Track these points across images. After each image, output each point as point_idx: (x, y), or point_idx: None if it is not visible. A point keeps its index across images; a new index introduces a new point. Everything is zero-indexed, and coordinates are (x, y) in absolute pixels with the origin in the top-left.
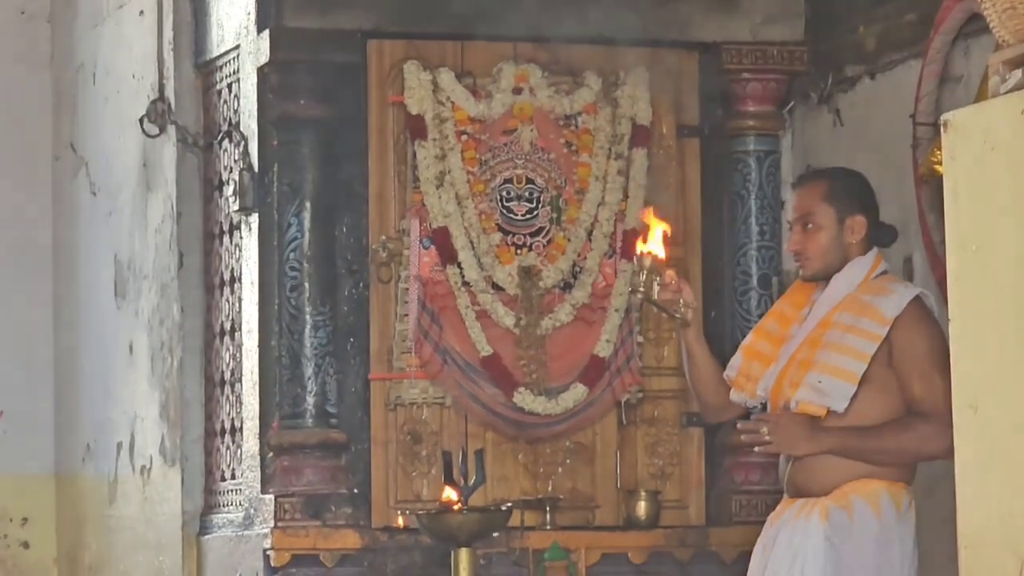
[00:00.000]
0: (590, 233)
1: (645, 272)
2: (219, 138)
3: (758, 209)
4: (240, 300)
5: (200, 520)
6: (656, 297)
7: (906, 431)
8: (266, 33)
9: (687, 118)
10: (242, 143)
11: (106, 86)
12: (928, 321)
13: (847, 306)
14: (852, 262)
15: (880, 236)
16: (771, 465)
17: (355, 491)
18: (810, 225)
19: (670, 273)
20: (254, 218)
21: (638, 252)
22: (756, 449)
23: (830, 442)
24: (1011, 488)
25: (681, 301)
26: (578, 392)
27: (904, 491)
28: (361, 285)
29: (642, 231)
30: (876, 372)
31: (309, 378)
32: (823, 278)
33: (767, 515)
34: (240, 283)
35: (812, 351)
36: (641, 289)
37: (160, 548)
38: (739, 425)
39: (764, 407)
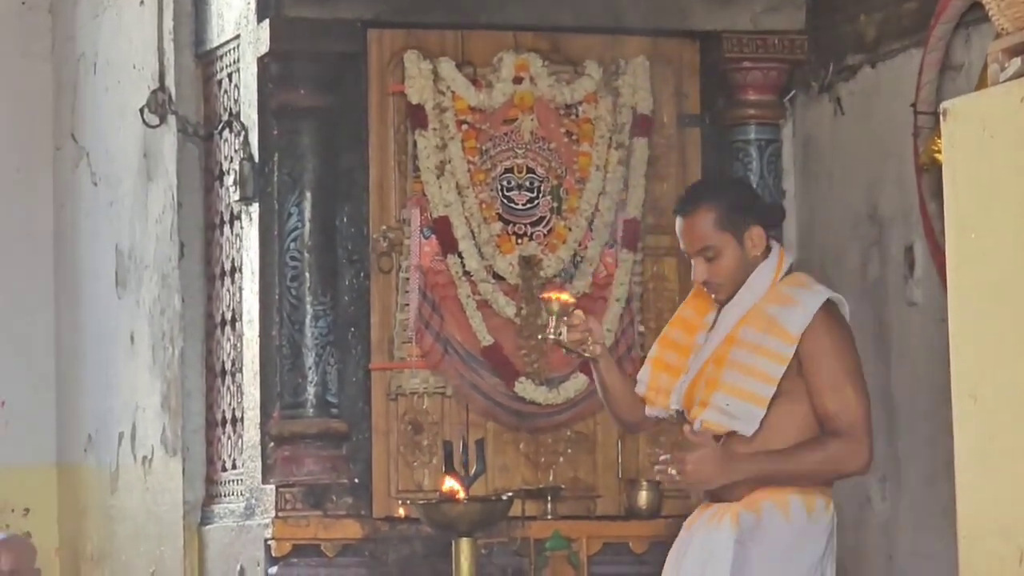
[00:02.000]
0: (591, 223)
1: (554, 316)
2: (219, 128)
3: None
4: (241, 290)
5: (201, 510)
6: (565, 338)
7: (820, 451)
8: (266, 23)
9: (688, 107)
10: (242, 133)
11: (107, 76)
12: (837, 331)
13: (752, 320)
14: (755, 271)
15: (771, 222)
16: None
17: (356, 481)
18: (711, 254)
19: (578, 314)
20: (255, 208)
21: (544, 296)
22: (660, 480)
23: (744, 472)
24: (1010, 478)
25: (589, 340)
26: (579, 382)
27: (817, 495)
28: (362, 275)
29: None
30: (787, 384)
31: (310, 368)
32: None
33: None
34: (241, 273)
35: (718, 370)
36: (551, 334)
37: (161, 538)
38: (656, 467)
39: (680, 414)
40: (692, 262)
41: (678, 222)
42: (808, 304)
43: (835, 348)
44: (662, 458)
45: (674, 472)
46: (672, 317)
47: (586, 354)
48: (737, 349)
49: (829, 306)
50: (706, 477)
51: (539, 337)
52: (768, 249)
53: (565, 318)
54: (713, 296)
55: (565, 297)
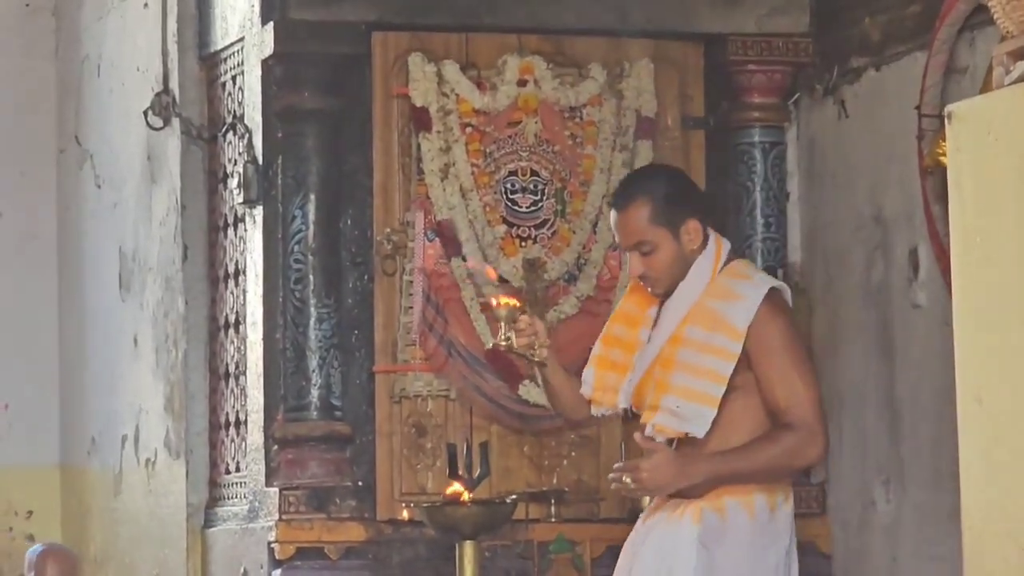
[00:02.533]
0: (595, 225)
1: (503, 322)
2: (223, 130)
3: (763, 201)
4: (244, 293)
5: (205, 513)
6: (515, 344)
7: (775, 446)
8: (270, 25)
9: (692, 110)
10: (246, 135)
11: (111, 78)
12: (781, 321)
13: (696, 318)
14: (694, 265)
15: (707, 212)
16: None
17: (360, 484)
18: (646, 248)
19: (524, 318)
20: (258, 210)
21: (493, 304)
22: (617, 490)
23: (701, 474)
24: (1016, 480)
25: (536, 343)
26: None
27: (778, 490)
28: (366, 277)
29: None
30: (738, 379)
31: (313, 371)
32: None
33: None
34: (244, 276)
35: (666, 372)
36: (503, 341)
37: (165, 541)
38: (613, 468)
39: (627, 412)
40: (627, 256)
41: (612, 216)
42: (751, 297)
43: (782, 339)
44: (616, 467)
45: (629, 480)
46: (613, 312)
47: (535, 358)
48: (684, 349)
49: (772, 295)
50: (662, 483)
51: (488, 345)
52: (705, 241)
53: (513, 323)
54: (651, 290)
55: (513, 302)
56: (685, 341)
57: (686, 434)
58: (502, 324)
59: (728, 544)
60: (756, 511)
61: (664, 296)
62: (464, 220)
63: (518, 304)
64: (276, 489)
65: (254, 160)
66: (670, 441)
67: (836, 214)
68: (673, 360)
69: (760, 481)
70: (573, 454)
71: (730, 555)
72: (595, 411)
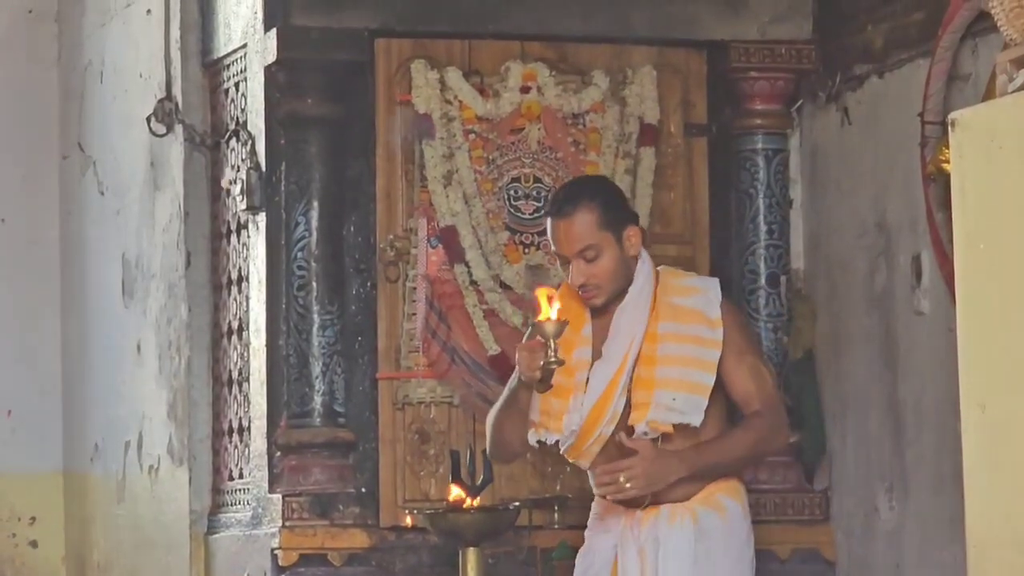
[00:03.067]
0: None
1: (551, 339)
2: (226, 137)
3: (766, 208)
4: (248, 299)
5: (208, 519)
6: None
7: (752, 432)
8: (273, 32)
9: (695, 117)
10: (249, 142)
11: (113, 85)
12: (738, 312)
13: (664, 315)
14: (638, 269)
15: (637, 220)
16: (780, 464)
17: (363, 490)
18: (591, 254)
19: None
20: (261, 217)
21: (539, 320)
22: (611, 497)
23: (689, 466)
24: (1019, 486)
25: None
26: None
27: (742, 482)
28: (369, 284)
29: (536, 305)
30: None
31: (317, 377)
32: (618, 298)
33: (776, 514)
34: (248, 282)
35: (650, 368)
36: (553, 361)
37: (168, 547)
38: (598, 473)
39: (557, 444)
40: (568, 266)
41: (553, 224)
42: (711, 289)
43: (745, 332)
44: (602, 474)
45: (625, 481)
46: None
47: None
48: (665, 344)
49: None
50: (658, 479)
51: (543, 364)
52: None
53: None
54: (589, 301)
55: (560, 318)
56: (663, 337)
57: (672, 429)
58: (551, 341)
59: (728, 539)
60: (744, 502)
61: (601, 306)
62: (467, 227)
63: (566, 320)
64: (279, 496)
65: (257, 167)
66: (654, 440)
67: (839, 221)
68: (655, 356)
69: (737, 470)
70: None
71: (731, 550)
72: (535, 436)
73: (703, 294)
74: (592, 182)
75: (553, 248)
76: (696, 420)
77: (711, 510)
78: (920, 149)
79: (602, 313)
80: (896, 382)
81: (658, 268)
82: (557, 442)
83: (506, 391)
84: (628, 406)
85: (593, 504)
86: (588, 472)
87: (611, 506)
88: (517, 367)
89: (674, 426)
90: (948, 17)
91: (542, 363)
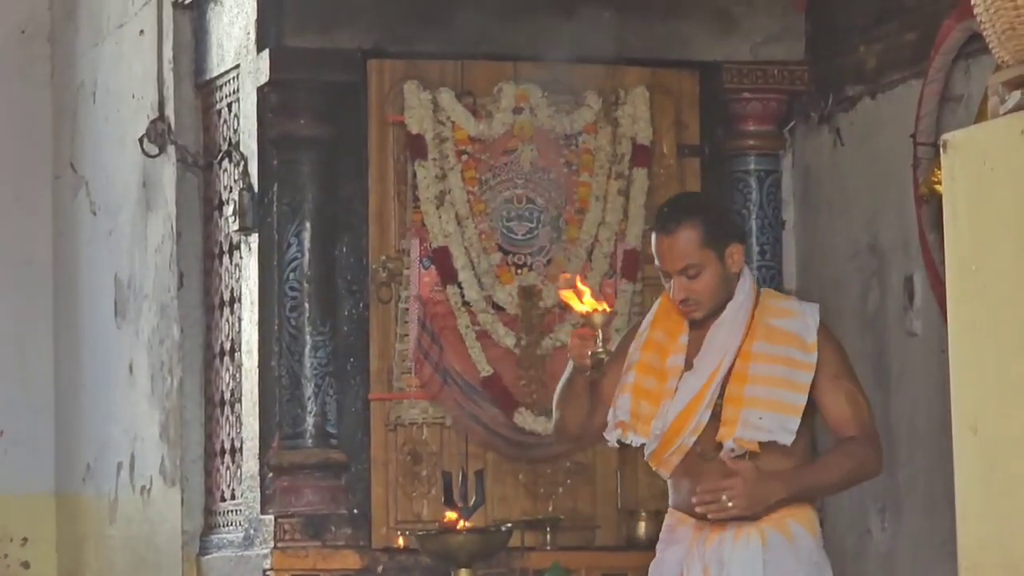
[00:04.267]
0: (590, 253)
1: (599, 328)
2: (219, 158)
3: (759, 228)
4: (240, 320)
5: (200, 540)
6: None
7: (849, 459)
8: (266, 53)
9: (688, 137)
10: (242, 163)
11: (106, 105)
12: (835, 338)
13: (758, 335)
14: (739, 286)
15: (743, 239)
16: None
17: (355, 511)
18: (693, 271)
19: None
20: (254, 238)
21: (586, 312)
22: (712, 516)
23: (787, 488)
24: (1011, 509)
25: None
26: None
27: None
28: (361, 305)
29: (574, 290)
30: None
31: (309, 398)
32: (716, 314)
33: None
34: (240, 303)
35: (740, 386)
36: (600, 350)
37: (160, 568)
38: (699, 492)
39: (642, 447)
40: (670, 281)
41: (657, 240)
42: (810, 314)
43: (841, 355)
44: (703, 492)
45: (727, 500)
46: (639, 341)
47: (603, 356)
48: (756, 364)
49: (820, 316)
50: (759, 500)
51: (591, 354)
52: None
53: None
54: (689, 315)
55: (605, 307)
56: (755, 356)
57: (759, 447)
58: (599, 331)
59: (794, 567)
60: (817, 533)
61: (701, 320)
62: (460, 247)
63: (610, 309)
64: (271, 517)
65: (249, 187)
66: (740, 456)
67: (831, 242)
68: (746, 375)
69: (831, 494)
70: (568, 482)
71: (800, 572)
72: (623, 438)
73: (801, 318)
74: (696, 199)
75: (656, 262)
76: (784, 439)
77: (780, 533)
78: (912, 170)
79: (700, 326)
80: (888, 403)
81: (760, 288)
82: (643, 445)
83: (565, 374)
84: (717, 421)
85: (667, 516)
86: (668, 482)
87: (683, 517)
88: (569, 354)
89: (761, 445)
90: (940, 38)
91: (590, 352)
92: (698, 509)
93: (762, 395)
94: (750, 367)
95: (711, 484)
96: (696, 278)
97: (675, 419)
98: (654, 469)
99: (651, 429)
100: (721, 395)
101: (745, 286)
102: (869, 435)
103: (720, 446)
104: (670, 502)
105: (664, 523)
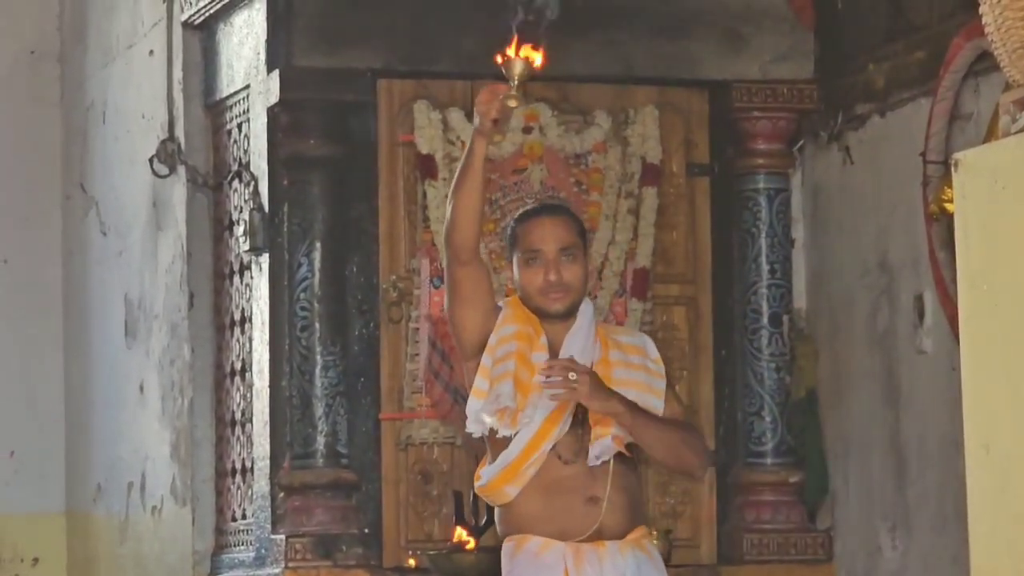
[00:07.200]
0: (600, 272)
1: (515, 79)
2: (229, 178)
3: (768, 247)
4: (251, 340)
5: (211, 560)
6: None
7: (682, 431)
8: (276, 73)
9: (697, 156)
10: (252, 183)
11: (116, 125)
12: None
13: (610, 344)
14: (583, 301)
15: None
16: (783, 504)
17: (366, 531)
18: (572, 254)
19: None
20: (264, 258)
21: (509, 57)
22: (552, 395)
23: (622, 405)
24: None
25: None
26: None
27: None
28: (372, 325)
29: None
30: None
31: (320, 418)
32: (571, 315)
33: (779, 554)
34: (250, 323)
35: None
36: (511, 94)
37: None
38: (547, 364)
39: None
40: (534, 267)
41: (540, 221)
42: (637, 332)
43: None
44: (550, 367)
45: (574, 380)
46: (505, 332)
47: (512, 104)
48: (617, 369)
49: None
50: (602, 393)
51: (503, 97)
52: None
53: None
54: (553, 303)
55: (534, 57)
56: (614, 364)
57: (628, 451)
58: (515, 79)
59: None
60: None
61: (562, 313)
62: None
63: (537, 65)
64: (282, 536)
65: (260, 207)
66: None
67: (841, 260)
68: (610, 379)
69: (654, 452)
70: None
71: None
72: (497, 426)
73: (639, 336)
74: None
75: (522, 248)
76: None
77: (642, 552)
78: (922, 188)
79: (553, 328)
80: (899, 421)
81: None
82: (508, 438)
83: (464, 152)
84: (578, 426)
85: (516, 543)
86: (504, 509)
87: (548, 542)
88: (475, 110)
89: (628, 448)
90: (950, 57)
91: (501, 96)
92: (543, 382)
93: (632, 398)
94: (612, 372)
95: (562, 360)
96: (572, 265)
97: (544, 422)
98: (491, 494)
99: (518, 419)
100: None
101: (586, 301)
102: (696, 429)
103: (583, 451)
104: (516, 529)
105: (512, 551)
